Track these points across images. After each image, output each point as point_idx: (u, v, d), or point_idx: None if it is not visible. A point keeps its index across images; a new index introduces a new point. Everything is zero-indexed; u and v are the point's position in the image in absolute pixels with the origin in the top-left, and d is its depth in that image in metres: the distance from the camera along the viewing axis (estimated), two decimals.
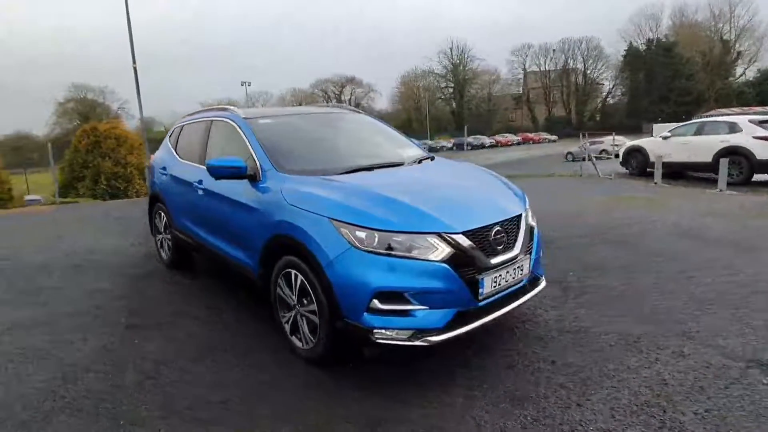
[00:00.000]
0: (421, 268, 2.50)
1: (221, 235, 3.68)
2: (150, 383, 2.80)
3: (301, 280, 2.80)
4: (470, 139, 53.88)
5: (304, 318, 2.87)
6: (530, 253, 2.99)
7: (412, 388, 2.65)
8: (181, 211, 4.37)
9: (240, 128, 3.60)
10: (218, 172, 3.25)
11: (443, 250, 2.54)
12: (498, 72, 72.30)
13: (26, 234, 7.82)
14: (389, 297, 2.49)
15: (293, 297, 2.91)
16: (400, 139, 4.18)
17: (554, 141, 54.12)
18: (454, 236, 2.57)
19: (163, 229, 4.94)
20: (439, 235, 2.55)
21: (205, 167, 3.56)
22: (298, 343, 2.95)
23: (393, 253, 2.51)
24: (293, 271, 2.85)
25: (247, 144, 3.44)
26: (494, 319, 2.74)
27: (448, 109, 73.88)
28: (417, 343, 2.51)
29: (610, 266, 4.51)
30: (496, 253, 2.73)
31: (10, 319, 3.84)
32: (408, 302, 2.50)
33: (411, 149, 4.00)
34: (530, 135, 58.12)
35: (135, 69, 13.35)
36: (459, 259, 2.56)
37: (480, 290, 2.62)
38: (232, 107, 3.96)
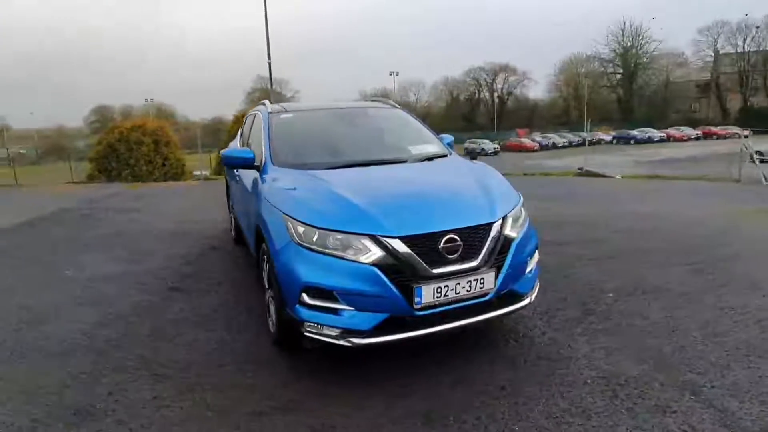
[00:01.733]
0: (350, 269, 2.51)
1: (243, 220, 4.09)
2: (150, 338, 3.31)
3: (268, 267, 3.00)
4: (635, 132, 48.03)
5: (272, 302, 3.08)
6: (500, 266, 2.73)
7: (350, 384, 2.68)
8: (232, 195, 4.93)
9: (263, 122, 3.92)
10: (228, 162, 3.62)
11: (374, 253, 2.50)
12: (685, 56, 62.41)
13: (167, 204, 9.49)
14: (317, 293, 2.55)
15: (266, 282, 3.13)
16: (422, 136, 4.07)
17: (746, 136, 45.01)
18: (389, 240, 2.51)
19: (230, 209, 5.62)
20: (372, 237, 2.52)
21: None
22: (270, 324, 3.17)
23: (327, 251, 2.56)
24: (265, 257, 3.07)
25: (262, 137, 3.74)
26: (442, 332, 2.62)
27: (614, 98, 66.55)
28: (342, 342, 2.54)
29: (668, 292, 3.80)
30: (445, 262, 2.58)
31: (106, 271, 4.81)
32: (336, 301, 2.53)
33: (428, 146, 3.88)
34: (714, 129, 49.20)
35: (269, 64, 15.14)
36: (392, 264, 2.49)
37: (417, 299, 2.52)
38: (267, 102, 4.31)
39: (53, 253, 5.60)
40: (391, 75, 49.87)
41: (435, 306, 2.58)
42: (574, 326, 3.27)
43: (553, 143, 46.91)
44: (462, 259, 2.62)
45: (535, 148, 44.74)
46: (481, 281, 2.66)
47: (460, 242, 2.61)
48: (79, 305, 3.93)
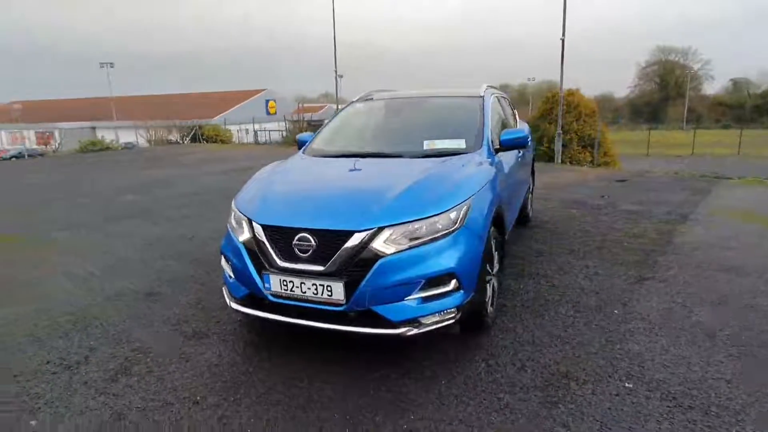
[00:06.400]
0: (234, 243, 2.94)
1: None
2: (168, 284, 4.33)
3: None
4: None
5: None
6: (357, 281, 2.51)
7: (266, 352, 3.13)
8: None
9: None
10: (298, 144, 4.34)
11: (246, 234, 2.85)
12: None
13: None
14: (225, 258, 3.09)
15: None
16: (461, 131, 3.67)
17: None
18: (255, 225, 2.79)
19: None
20: (248, 220, 2.85)
21: None
22: None
23: (232, 225, 3.06)
24: None
25: None
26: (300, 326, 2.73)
27: None
28: (228, 302, 3.03)
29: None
30: (297, 259, 2.64)
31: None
32: (230, 267, 3.02)
33: (449, 142, 3.55)
34: None
35: (563, 41, 13.23)
36: (253, 248, 2.78)
37: (266, 285, 2.72)
38: (380, 90, 4.63)
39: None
40: None
41: (283, 297, 2.70)
42: (515, 391, 2.50)
43: None
44: (312, 261, 2.60)
45: None
46: (329, 289, 2.57)
47: (312, 243, 2.60)
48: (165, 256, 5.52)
